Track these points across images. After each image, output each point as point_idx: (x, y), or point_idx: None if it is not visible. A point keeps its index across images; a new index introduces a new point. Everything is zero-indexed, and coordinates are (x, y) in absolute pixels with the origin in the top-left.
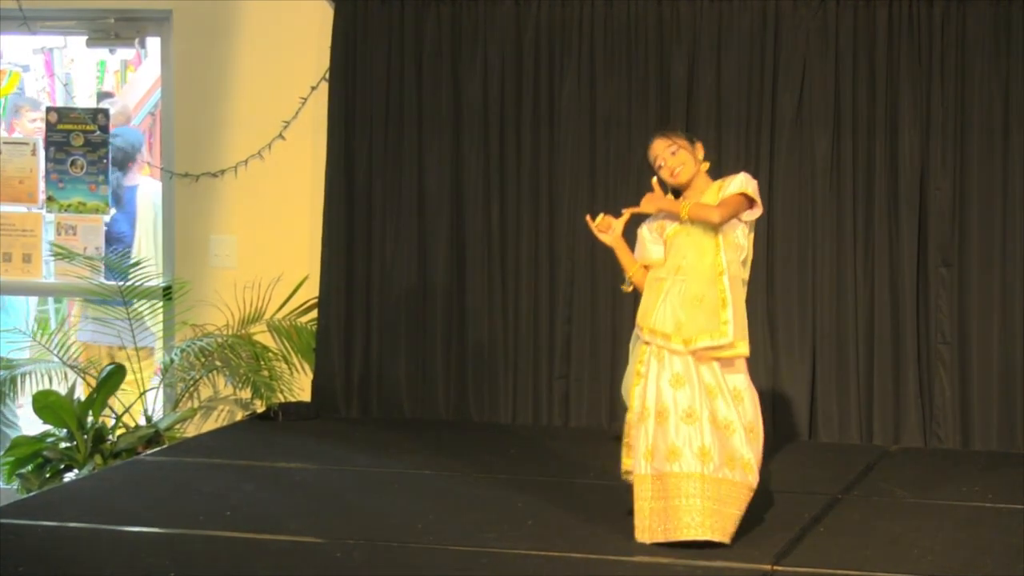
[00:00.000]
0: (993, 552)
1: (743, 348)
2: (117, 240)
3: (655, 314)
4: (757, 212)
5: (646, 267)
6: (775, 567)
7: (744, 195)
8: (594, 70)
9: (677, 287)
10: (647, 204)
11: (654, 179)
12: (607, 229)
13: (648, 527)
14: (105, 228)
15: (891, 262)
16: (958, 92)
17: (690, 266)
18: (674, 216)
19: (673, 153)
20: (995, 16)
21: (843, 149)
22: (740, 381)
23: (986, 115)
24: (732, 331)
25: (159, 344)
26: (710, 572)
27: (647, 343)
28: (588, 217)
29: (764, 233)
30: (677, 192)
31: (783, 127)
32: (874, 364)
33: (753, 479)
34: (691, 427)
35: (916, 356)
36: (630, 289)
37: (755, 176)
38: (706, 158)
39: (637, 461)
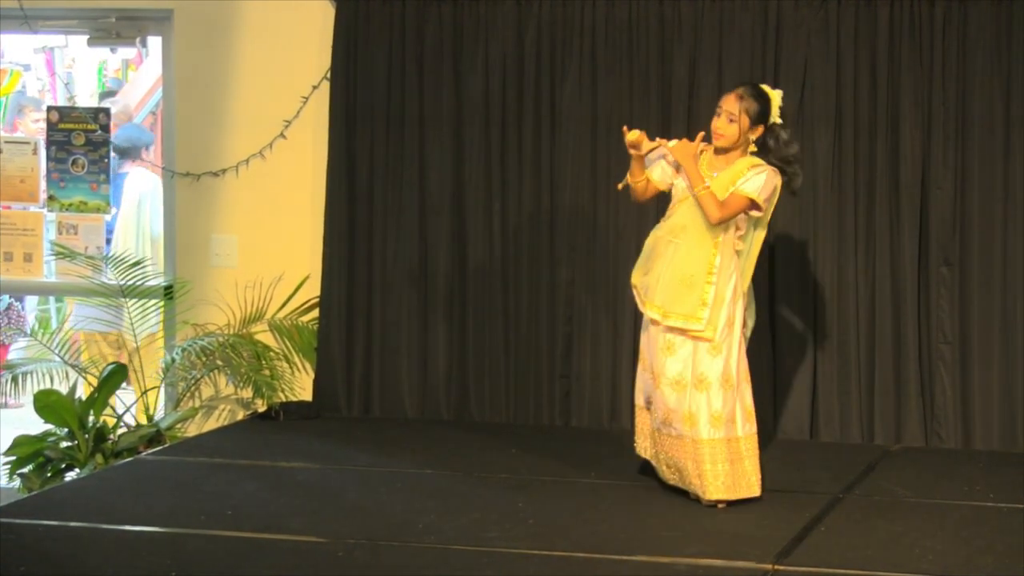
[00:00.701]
0: (994, 551)
1: (711, 334)
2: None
3: (645, 275)
4: (757, 213)
5: (649, 181)
6: (776, 566)
7: (751, 199)
8: (595, 69)
9: (671, 253)
10: (677, 150)
11: (700, 134)
12: (637, 144)
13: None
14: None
15: (892, 261)
16: (959, 91)
17: (689, 235)
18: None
19: (731, 120)
20: (996, 15)
21: (844, 148)
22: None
23: (987, 114)
24: (706, 324)
25: (160, 336)
26: (712, 571)
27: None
28: (624, 128)
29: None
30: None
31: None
32: (875, 363)
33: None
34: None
35: (917, 355)
36: (621, 186)
37: None
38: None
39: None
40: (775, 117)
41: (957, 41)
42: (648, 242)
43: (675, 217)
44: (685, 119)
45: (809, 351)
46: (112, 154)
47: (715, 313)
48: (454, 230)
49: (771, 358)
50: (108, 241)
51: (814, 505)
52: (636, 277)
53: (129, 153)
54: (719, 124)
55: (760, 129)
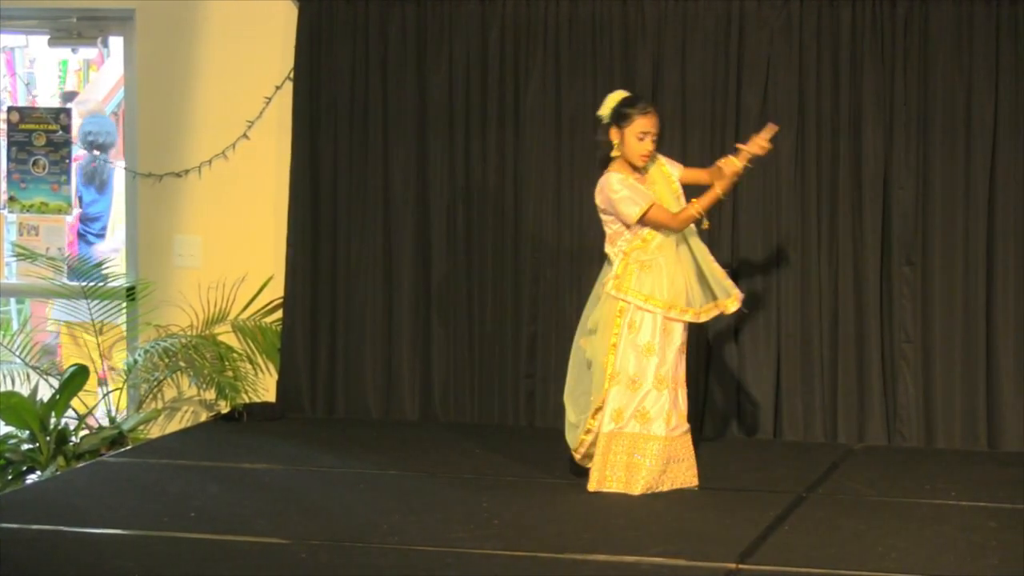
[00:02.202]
0: (956, 549)
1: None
2: (92, 220)
3: (689, 291)
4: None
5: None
6: (740, 565)
7: None
8: (559, 69)
9: (684, 261)
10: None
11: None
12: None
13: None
14: (80, 209)
15: (855, 261)
16: (921, 91)
17: (690, 237)
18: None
19: (653, 140)
20: (957, 15)
21: (807, 148)
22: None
23: (949, 114)
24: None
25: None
26: (676, 570)
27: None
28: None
29: (728, 231)
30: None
31: (747, 126)
32: (838, 363)
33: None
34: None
35: (880, 355)
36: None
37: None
38: (673, 155)
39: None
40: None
41: (919, 41)
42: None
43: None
44: None
45: (772, 350)
46: (86, 147)
47: None
48: (418, 230)
49: (735, 358)
50: (84, 223)
51: (778, 504)
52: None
53: (103, 146)
54: (650, 147)
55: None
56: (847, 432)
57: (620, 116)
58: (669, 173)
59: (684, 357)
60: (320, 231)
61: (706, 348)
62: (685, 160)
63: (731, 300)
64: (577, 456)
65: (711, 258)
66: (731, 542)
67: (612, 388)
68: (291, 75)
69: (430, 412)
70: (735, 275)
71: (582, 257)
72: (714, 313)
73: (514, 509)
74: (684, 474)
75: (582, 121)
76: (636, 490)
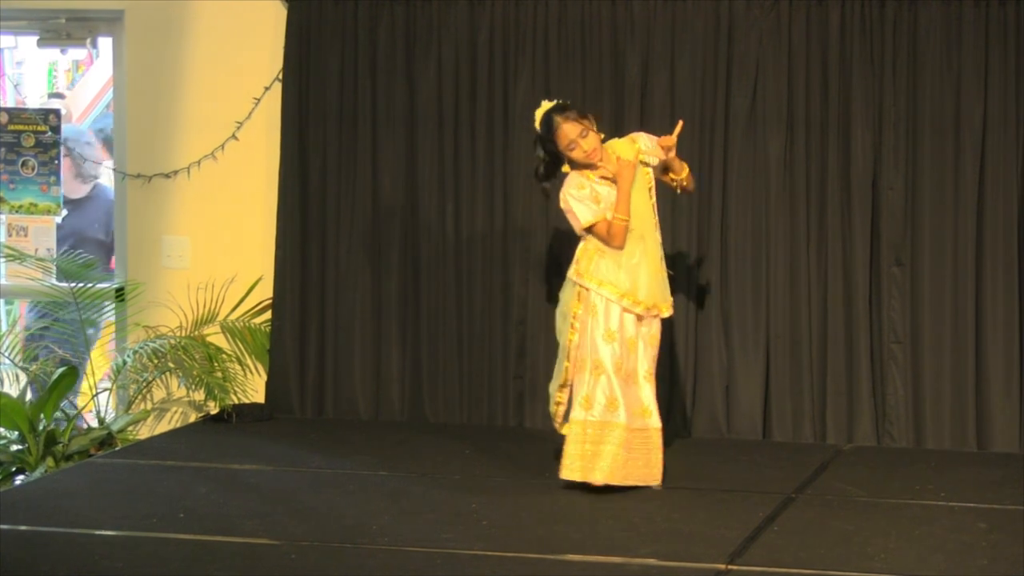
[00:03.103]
0: (945, 550)
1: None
2: (89, 224)
3: (642, 287)
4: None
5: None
6: (729, 566)
7: None
8: (548, 70)
9: (640, 251)
10: (630, 171)
11: (680, 122)
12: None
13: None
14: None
15: (844, 261)
16: (910, 92)
17: (643, 227)
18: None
19: (584, 136)
20: (946, 16)
21: (796, 149)
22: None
23: (938, 115)
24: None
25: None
26: (665, 571)
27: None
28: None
29: (718, 232)
30: (587, 166)
31: (736, 127)
32: (827, 363)
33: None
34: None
35: (869, 355)
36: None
37: (708, 175)
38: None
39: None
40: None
41: (908, 42)
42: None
43: (636, 227)
44: (638, 120)
45: (761, 351)
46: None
47: None
48: (407, 231)
49: (724, 358)
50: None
51: (767, 505)
52: (627, 290)
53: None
54: (585, 147)
55: (592, 117)
56: (836, 433)
57: (547, 127)
58: (648, 177)
59: (652, 351)
60: (309, 232)
61: (695, 348)
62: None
63: (666, 305)
64: (558, 428)
65: (661, 263)
66: (720, 543)
67: (577, 376)
68: (280, 76)
69: (419, 413)
70: (724, 275)
71: (571, 257)
72: (656, 314)
73: (503, 510)
74: (641, 471)
75: (579, 161)
76: (597, 478)
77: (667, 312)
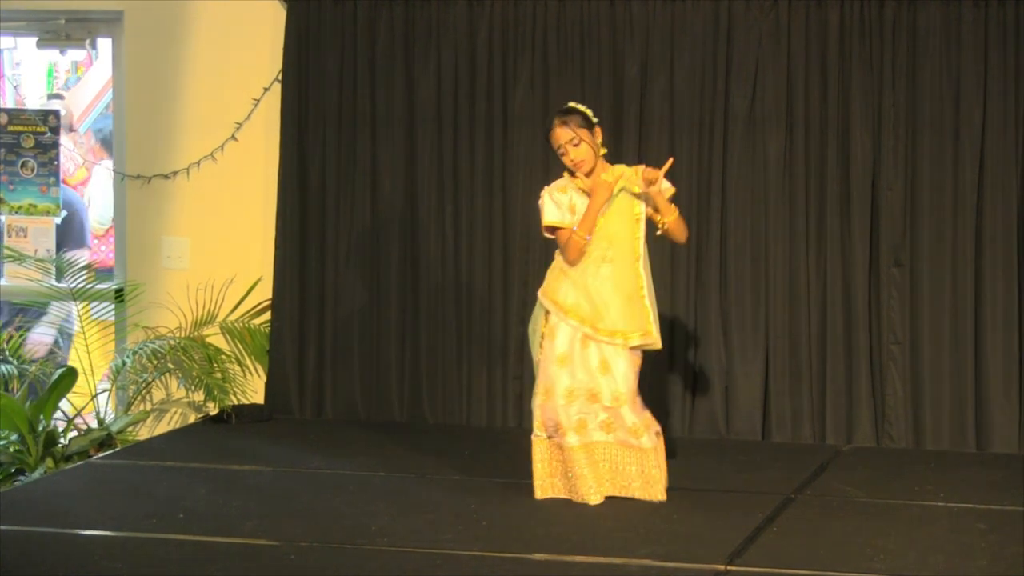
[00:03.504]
0: (945, 551)
1: (659, 342)
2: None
3: (582, 305)
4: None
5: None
6: (728, 567)
7: None
8: (547, 70)
9: (602, 276)
10: (605, 191)
11: (669, 160)
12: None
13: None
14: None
15: (843, 262)
16: (909, 93)
17: (616, 253)
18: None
19: (575, 145)
20: (945, 17)
21: (795, 149)
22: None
23: (937, 116)
24: (656, 332)
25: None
26: (664, 572)
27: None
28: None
29: (717, 232)
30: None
31: (736, 128)
32: (826, 364)
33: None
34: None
35: (868, 356)
36: (660, 233)
37: (708, 176)
38: (661, 158)
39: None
40: (594, 118)
41: (907, 43)
42: (570, 274)
43: (598, 248)
44: (637, 120)
45: (761, 352)
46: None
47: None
48: (406, 232)
49: (723, 359)
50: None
51: (766, 505)
52: (568, 306)
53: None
54: (572, 156)
55: (598, 131)
56: (835, 433)
57: (548, 127)
58: (637, 207)
59: (626, 372)
60: (308, 233)
61: (694, 349)
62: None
63: (637, 334)
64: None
65: (644, 293)
66: (720, 544)
67: (534, 399)
68: (279, 77)
69: (418, 414)
70: (724, 275)
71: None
72: (621, 342)
73: (503, 511)
74: (635, 485)
75: (565, 166)
76: (537, 494)
77: (636, 341)
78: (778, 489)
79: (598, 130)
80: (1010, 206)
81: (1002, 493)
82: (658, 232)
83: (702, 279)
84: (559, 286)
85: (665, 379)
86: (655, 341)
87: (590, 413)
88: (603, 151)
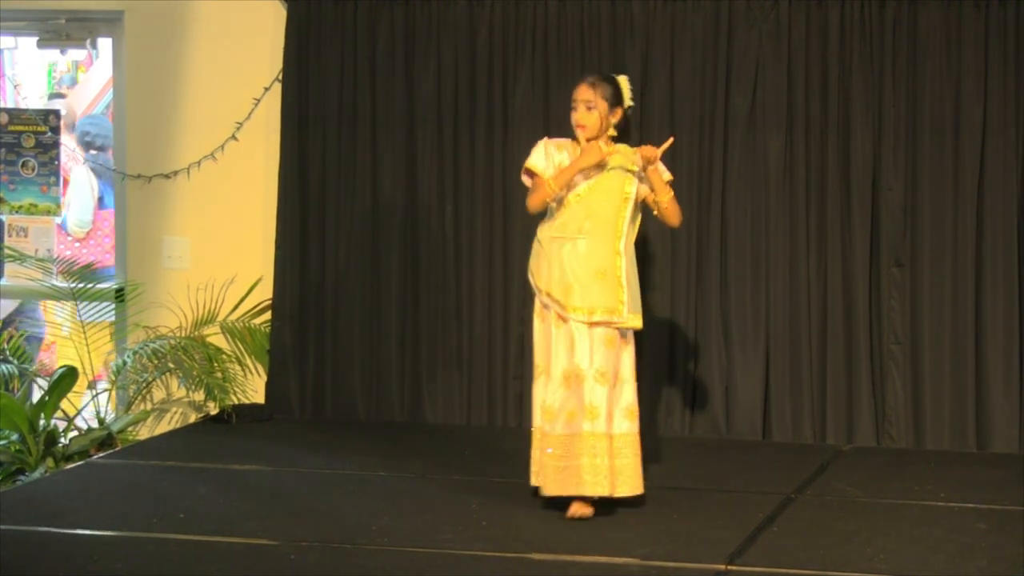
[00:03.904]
0: (945, 550)
1: (637, 322)
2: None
3: (554, 279)
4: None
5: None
6: (729, 567)
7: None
8: (547, 70)
9: (578, 250)
10: (594, 154)
11: (670, 139)
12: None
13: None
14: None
15: (844, 262)
16: (909, 93)
17: (594, 228)
18: (590, 172)
19: (588, 108)
20: (946, 17)
21: (796, 149)
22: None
23: (937, 116)
24: (627, 310)
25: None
26: (664, 572)
27: (545, 306)
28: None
29: (717, 232)
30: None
31: (736, 127)
32: (827, 364)
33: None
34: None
35: (869, 356)
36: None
37: (708, 176)
38: (663, 157)
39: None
40: (628, 100)
41: (907, 43)
42: (547, 243)
43: (576, 219)
44: (638, 120)
45: (761, 351)
46: (81, 146)
47: (634, 302)
48: (407, 232)
49: (723, 358)
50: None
51: (767, 505)
52: (545, 284)
53: (105, 145)
54: (579, 116)
55: (619, 112)
56: (836, 433)
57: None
58: (628, 185)
59: (604, 351)
60: (309, 233)
61: (695, 348)
62: (672, 160)
63: (603, 311)
64: None
65: (621, 274)
66: (720, 543)
67: (533, 383)
68: (280, 76)
69: (418, 413)
70: (724, 275)
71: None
72: (592, 319)
73: (503, 510)
74: (591, 479)
75: (570, 122)
76: (533, 480)
77: (599, 317)
78: (778, 489)
79: (620, 111)
80: (1010, 206)
81: (1002, 493)
82: (655, 212)
83: (702, 279)
84: (538, 264)
85: (665, 379)
86: (624, 320)
87: (571, 396)
88: (612, 132)
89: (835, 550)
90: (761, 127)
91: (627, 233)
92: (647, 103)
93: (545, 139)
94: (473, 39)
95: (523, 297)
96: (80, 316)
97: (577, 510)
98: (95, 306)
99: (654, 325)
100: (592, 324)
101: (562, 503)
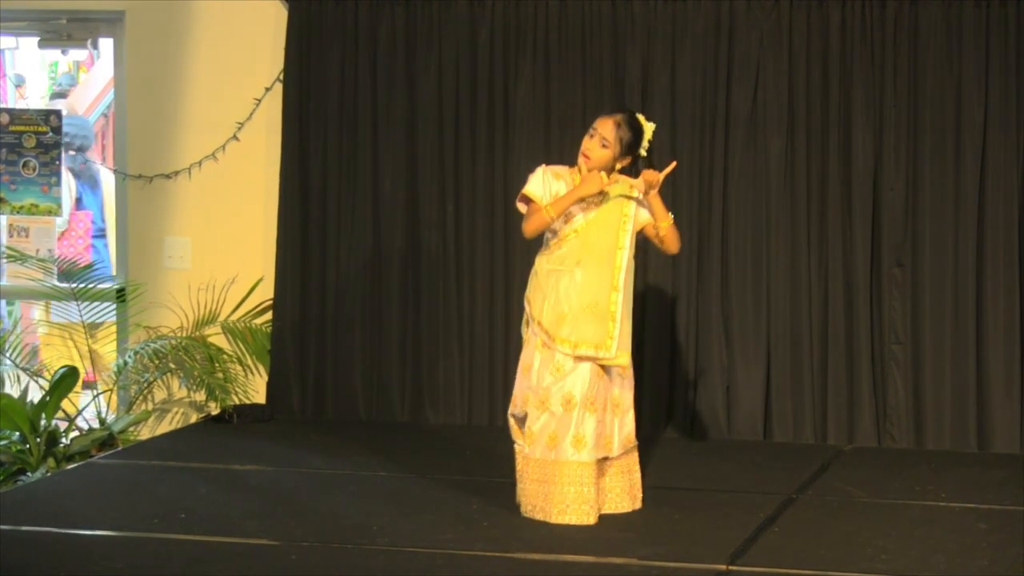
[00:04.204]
0: (946, 550)
1: (624, 359)
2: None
3: (547, 308)
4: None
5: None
6: (730, 567)
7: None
8: (548, 70)
9: (575, 281)
10: (594, 184)
11: (672, 164)
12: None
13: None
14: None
15: (845, 262)
16: (910, 92)
17: (591, 261)
18: (588, 205)
19: (603, 146)
20: (947, 17)
21: (797, 149)
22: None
23: (938, 116)
24: (615, 347)
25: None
26: (665, 572)
27: (535, 333)
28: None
29: (718, 232)
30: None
31: (737, 127)
32: (828, 364)
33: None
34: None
35: (870, 356)
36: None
37: (709, 176)
38: (662, 159)
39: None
40: (643, 150)
41: (908, 42)
42: (545, 275)
43: (573, 252)
44: None
45: (762, 352)
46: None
47: (624, 338)
48: (408, 231)
49: (725, 359)
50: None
51: (768, 505)
52: (544, 317)
53: (83, 145)
54: (591, 146)
55: (628, 160)
56: (837, 433)
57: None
58: (626, 208)
59: (591, 380)
60: (310, 233)
61: (695, 348)
62: (673, 160)
63: (590, 346)
64: None
65: (616, 310)
66: (721, 543)
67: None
68: (281, 77)
69: (419, 413)
70: (725, 275)
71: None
72: (572, 351)
73: (503, 510)
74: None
75: (571, 122)
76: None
77: (584, 351)
78: (780, 489)
79: (630, 160)
80: (1011, 205)
81: (1003, 493)
82: (654, 241)
83: (703, 279)
84: (534, 295)
85: (667, 379)
86: (612, 358)
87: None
88: (617, 175)
89: (836, 550)
90: (762, 127)
91: (626, 267)
92: (648, 103)
93: (544, 166)
94: (474, 39)
95: (522, 298)
96: (80, 316)
97: None
98: (96, 306)
99: (655, 325)
100: (577, 358)
101: None
